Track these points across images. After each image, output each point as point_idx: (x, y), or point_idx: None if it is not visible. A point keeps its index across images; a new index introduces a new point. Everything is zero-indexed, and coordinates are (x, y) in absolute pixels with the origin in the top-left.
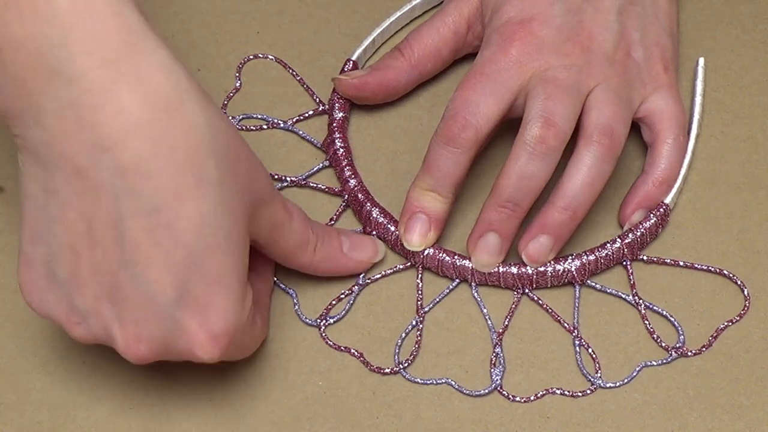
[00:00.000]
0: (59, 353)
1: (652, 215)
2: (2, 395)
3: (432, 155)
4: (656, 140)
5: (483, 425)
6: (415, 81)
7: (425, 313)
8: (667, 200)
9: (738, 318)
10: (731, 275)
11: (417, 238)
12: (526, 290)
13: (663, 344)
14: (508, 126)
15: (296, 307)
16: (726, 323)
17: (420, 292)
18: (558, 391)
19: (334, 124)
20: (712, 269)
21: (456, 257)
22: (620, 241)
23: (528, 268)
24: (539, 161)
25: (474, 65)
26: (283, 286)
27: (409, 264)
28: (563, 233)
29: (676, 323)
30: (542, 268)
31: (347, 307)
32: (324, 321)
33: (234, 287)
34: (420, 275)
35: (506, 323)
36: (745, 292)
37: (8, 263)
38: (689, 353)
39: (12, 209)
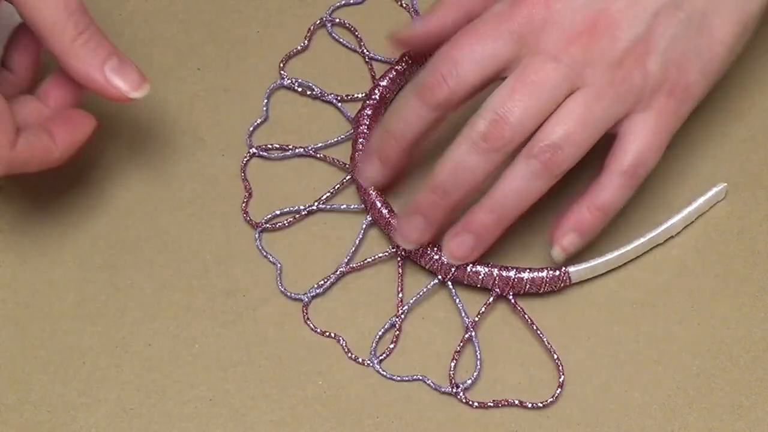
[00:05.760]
0: (59, 353)
1: (548, 270)
2: (2, 395)
3: (401, 100)
4: (608, 166)
5: (483, 425)
6: (463, 23)
7: (406, 310)
8: (571, 269)
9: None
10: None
11: (370, 175)
12: (503, 293)
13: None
14: None
15: (278, 279)
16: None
17: (400, 287)
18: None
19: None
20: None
21: (433, 250)
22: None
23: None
24: (478, 156)
25: (479, 18)
26: (265, 253)
27: (391, 251)
28: (487, 235)
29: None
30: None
31: (325, 284)
32: (307, 295)
33: None
34: (400, 263)
35: (476, 319)
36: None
37: (8, 263)
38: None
39: (12, 209)
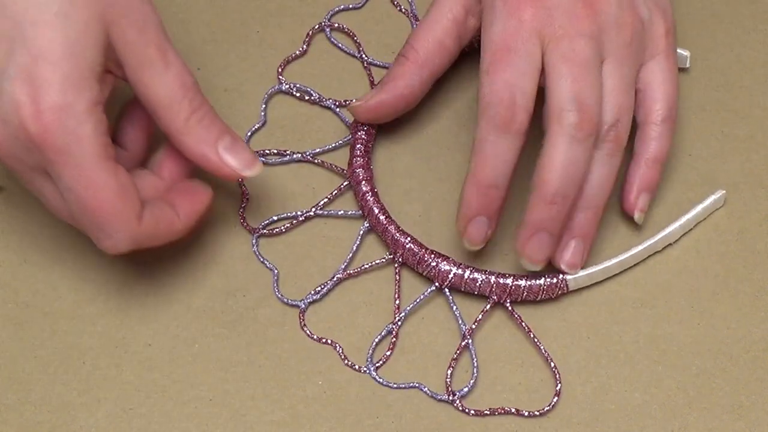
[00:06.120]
0: (59, 353)
1: (546, 278)
2: (2, 395)
3: (486, 147)
4: (646, 119)
5: (483, 425)
6: (428, 81)
7: (403, 317)
8: (569, 277)
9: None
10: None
11: (479, 241)
12: (500, 300)
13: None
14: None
15: (275, 285)
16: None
17: (397, 294)
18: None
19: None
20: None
21: (431, 256)
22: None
23: (492, 276)
24: (579, 146)
25: (490, 41)
26: (262, 259)
27: (388, 258)
28: (591, 232)
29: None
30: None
31: (322, 290)
32: (304, 301)
33: (62, 64)
34: (397, 270)
35: (473, 327)
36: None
37: (8, 263)
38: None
39: (12, 209)
